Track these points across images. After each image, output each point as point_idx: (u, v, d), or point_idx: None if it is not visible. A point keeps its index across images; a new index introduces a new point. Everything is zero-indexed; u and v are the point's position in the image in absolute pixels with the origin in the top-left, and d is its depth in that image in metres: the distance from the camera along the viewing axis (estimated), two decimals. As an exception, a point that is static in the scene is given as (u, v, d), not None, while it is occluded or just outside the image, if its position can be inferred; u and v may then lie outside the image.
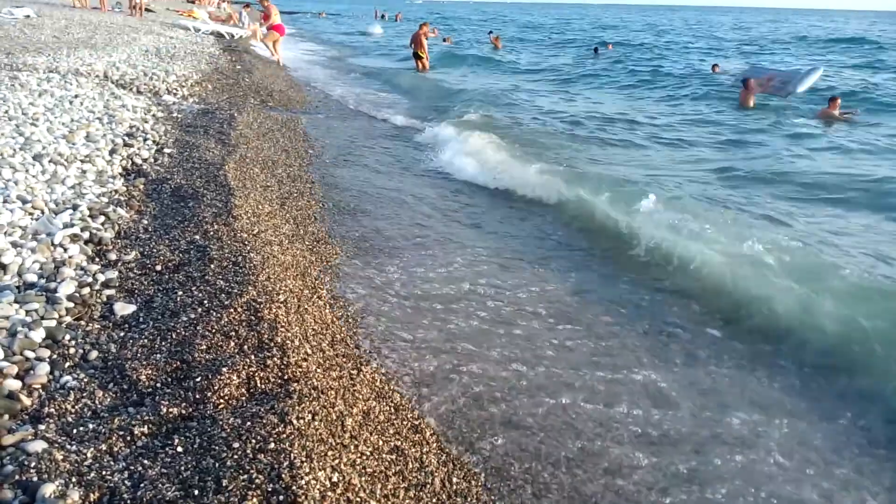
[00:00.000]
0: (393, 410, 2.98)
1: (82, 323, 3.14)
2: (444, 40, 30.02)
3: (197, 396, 2.64)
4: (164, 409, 2.54)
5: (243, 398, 2.69)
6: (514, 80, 18.41)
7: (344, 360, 3.25)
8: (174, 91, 9.47)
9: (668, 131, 11.10)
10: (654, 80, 18.17)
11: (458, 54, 24.59)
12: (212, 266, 3.82)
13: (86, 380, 2.71)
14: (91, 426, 2.42)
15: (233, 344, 3.05)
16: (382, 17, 63.00)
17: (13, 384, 2.59)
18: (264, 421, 2.49)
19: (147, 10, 26.00)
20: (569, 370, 3.58)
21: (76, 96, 7.41)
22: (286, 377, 2.86)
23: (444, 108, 11.86)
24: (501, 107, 12.43)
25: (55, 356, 2.84)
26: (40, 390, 2.62)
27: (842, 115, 12.54)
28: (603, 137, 10.16)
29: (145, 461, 2.26)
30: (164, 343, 3.01)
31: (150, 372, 2.79)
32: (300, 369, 2.93)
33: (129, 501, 2.08)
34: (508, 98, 13.88)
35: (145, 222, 4.44)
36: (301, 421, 2.54)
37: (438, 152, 8.59)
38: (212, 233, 4.32)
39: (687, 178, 7.82)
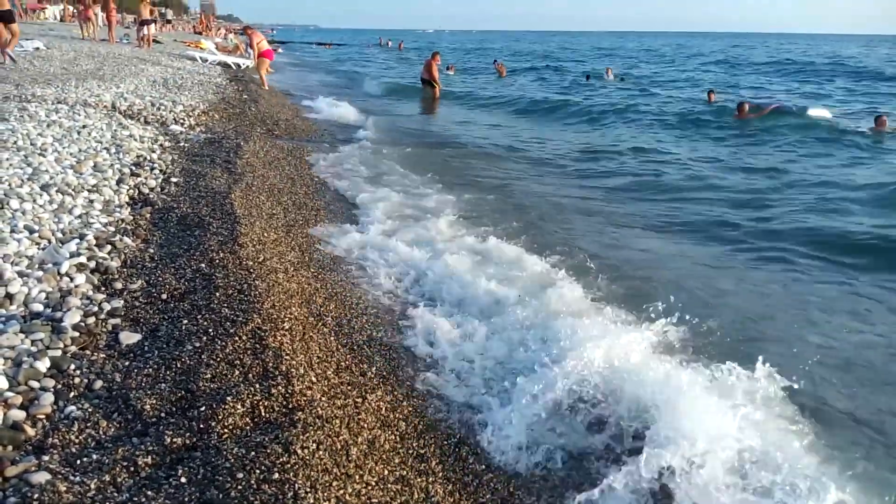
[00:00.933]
0: (398, 439, 2.96)
1: (87, 352, 3.14)
2: (448, 69, 30.34)
3: (201, 426, 2.63)
4: (168, 440, 2.53)
5: (248, 427, 2.67)
6: (510, 116, 17.91)
7: (349, 387, 3.24)
8: (181, 121, 9.56)
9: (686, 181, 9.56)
10: (655, 113, 17.50)
11: (465, 87, 24.42)
12: (217, 294, 3.83)
13: (90, 410, 2.70)
14: (95, 457, 2.41)
15: (237, 372, 3.04)
16: (387, 44, 64.45)
17: (17, 414, 2.59)
18: (268, 451, 2.47)
19: (155, 41, 26.42)
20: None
21: (84, 127, 7.49)
22: (291, 406, 2.84)
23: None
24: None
25: (60, 386, 2.84)
26: (44, 420, 2.61)
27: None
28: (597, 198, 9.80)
29: (149, 492, 2.25)
30: (168, 372, 3.01)
31: (154, 402, 2.78)
32: (305, 398, 2.92)
33: (131, 533, 2.06)
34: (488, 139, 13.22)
35: (151, 251, 4.46)
36: (305, 451, 2.52)
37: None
38: (217, 261, 4.33)
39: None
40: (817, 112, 15.48)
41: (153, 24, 27.38)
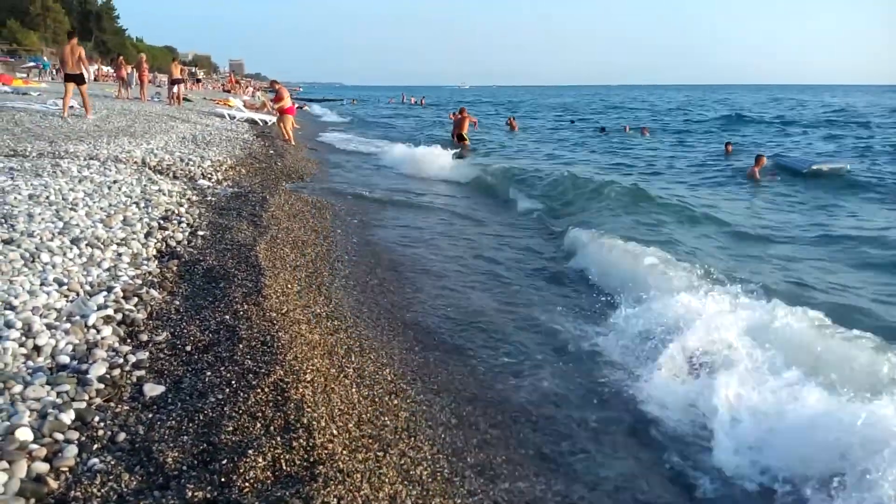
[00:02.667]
0: (420, 495, 2.91)
1: (112, 404, 3.16)
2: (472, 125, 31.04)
3: (222, 480, 2.61)
4: (190, 493, 2.51)
5: (268, 481, 2.65)
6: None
7: (370, 441, 3.21)
8: (209, 175, 9.76)
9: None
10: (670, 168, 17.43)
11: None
12: (240, 346, 3.84)
13: (113, 462, 2.70)
14: (116, 511, 2.39)
15: (259, 425, 3.03)
16: (411, 101, 67.37)
17: (41, 467, 2.60)
18: (289, 505, 2.44)
19: (185, 99, 27.20)
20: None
21: (115, 182, 7.68)
22: (312, 459, 2.82)
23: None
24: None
25: (84, 438, 2.85)
26: (67, 473, 2.61)
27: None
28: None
29: (169, 547, 2.22)
30: (191, 425, 3.01)
31: (176, 454, 2.78)
32: (326, 451, 2.90)
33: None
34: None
35: (177, 303, 4.51)
36: (326, 505, 2.49)
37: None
38: (241, 312, 4.36)
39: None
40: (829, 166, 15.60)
41: (183, 84, 28.22)
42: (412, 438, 3.40)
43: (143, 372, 3.49)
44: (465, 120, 22.35)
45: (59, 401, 3.06)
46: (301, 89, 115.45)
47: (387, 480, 2.88)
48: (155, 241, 5.79)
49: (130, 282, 4.70)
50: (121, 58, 29.51)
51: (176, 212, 6.97)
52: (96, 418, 3.00)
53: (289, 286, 5.20)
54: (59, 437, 2.81)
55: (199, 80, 60.94)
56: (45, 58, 54.45)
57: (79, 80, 14.60)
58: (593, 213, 10.13)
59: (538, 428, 3.74)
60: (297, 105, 31.82)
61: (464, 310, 5.60)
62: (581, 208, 10.71)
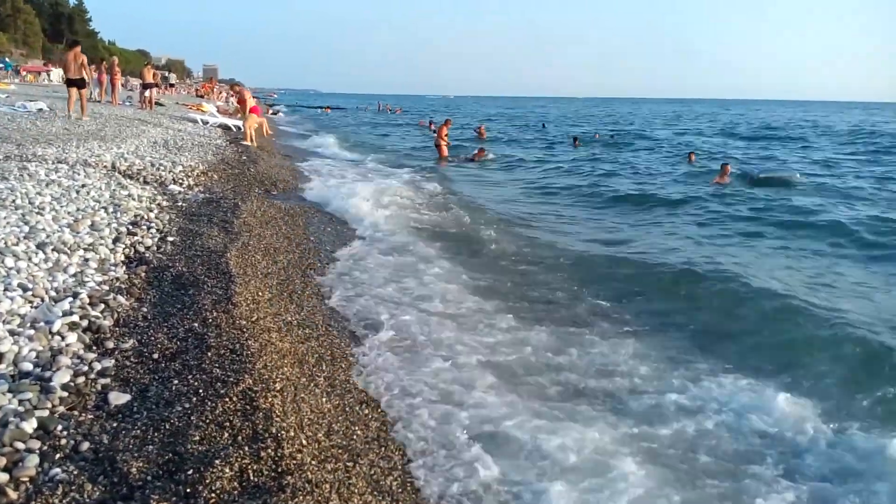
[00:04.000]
0: (389, 505, 2.90)
1: (75, 413, 3.09)
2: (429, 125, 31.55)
3: (188, 490, 2.57)
4: (154, 504, 2.47)
5: (235, 492, 2.62)
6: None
7: (340, 451, 3.18)
8: (180, 181, 9.65)
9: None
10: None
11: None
12: (209, 354, 3.79)
13: (75, 472, 2.64)
14: (77, 522, 2.34)
15: (226, 435, 2.99)
16: (387, 110, 68.16)
17: (1, 477, 2.53)
18: (256, 516, 2.41)
19: (158, 104, 26.87)
20: None
21: (83, 186, 7.55)
22: (280, 470, 2.79)
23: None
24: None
25: (46, 447, 2.79)
26: (28, 483, 2.55)
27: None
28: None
29: (131, 559, 2.18)
30: (156, 434, 2.96)
31: (141, 464, 2.73)
32: (295, 461, 2.87)
33: None
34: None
35: (145, 310, 4.44)
36: (294, 516, 2.46)
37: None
38: (210, 320, 4.31)
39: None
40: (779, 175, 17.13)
41: (156, 88, 27.90)
42: (383, 448, 3.39)
43: (108, 380, 3.43)
44: (443, 131, 22.79)
45: (20, 409, 2.99)
46: (276, 95, 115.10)
47: (356, 491, 2.87)
48: (123, 246, 5.70)
49: (97, 288, 4.62)
50: (104, 63, 29.10)
51: (145, 217, 6.87)
52: (59, 427, 2.94)
53: (260, 294, 5.15)
54: (21, 446, 2.75)
55: (172, 85, 60.29)
56: (7, 59, 53.68)
57: (80, 84, 15.74)
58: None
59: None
60: (271, 111, 31.63)
61: (440, 315, 5.59)
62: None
